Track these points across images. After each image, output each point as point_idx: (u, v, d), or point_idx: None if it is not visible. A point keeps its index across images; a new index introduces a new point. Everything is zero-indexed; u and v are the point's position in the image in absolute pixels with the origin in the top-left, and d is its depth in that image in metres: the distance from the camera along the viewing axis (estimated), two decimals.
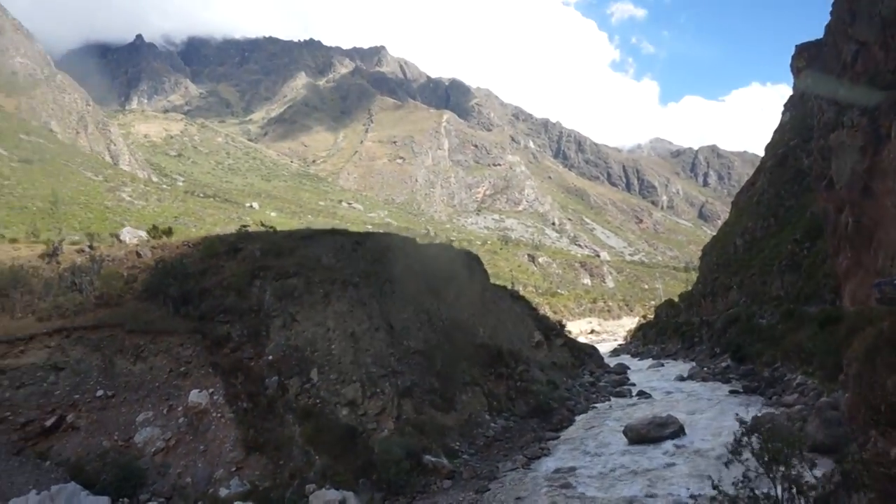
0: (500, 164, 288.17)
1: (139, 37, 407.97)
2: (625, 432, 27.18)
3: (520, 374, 33.47)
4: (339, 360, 22.33)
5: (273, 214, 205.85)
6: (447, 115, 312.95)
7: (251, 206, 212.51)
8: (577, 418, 33.85)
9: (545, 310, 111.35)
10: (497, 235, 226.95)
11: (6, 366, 20.17)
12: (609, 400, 39.28)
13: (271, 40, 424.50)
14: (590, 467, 23.53)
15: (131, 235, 30.60)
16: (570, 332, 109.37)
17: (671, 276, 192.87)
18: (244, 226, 30.69)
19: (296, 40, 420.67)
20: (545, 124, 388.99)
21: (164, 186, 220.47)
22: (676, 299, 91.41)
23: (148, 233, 29.53)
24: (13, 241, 30.31)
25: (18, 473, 17.43)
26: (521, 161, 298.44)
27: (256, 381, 21.09)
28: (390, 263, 29.26)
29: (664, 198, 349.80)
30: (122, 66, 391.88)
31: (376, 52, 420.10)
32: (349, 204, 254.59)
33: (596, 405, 37.44)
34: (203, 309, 22.10)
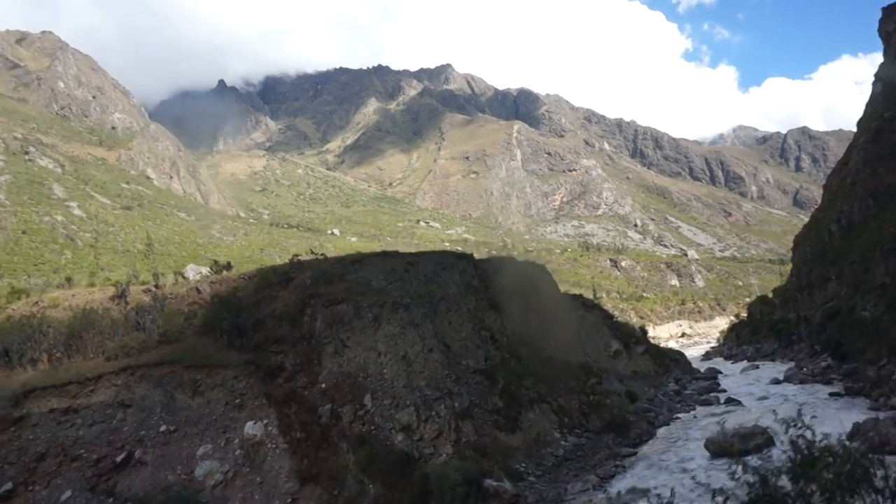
0: (575, 170, 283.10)
1: (221, 82, 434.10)
2: (706, 445, 25.16)
3: (592, 387, 31.94)
4: (391, 384, 21.96)
5: (353, 239, 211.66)
6: (517, 125, 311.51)
7: (332, 233, 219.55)
8: (659, 431, 31.84)
9: (630, 315, 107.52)
10: (577, 242, 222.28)
11: (79, 405, 21.12)
12: (694, 409, 36.80)
13: (342, 70, 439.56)
14: (666, 485, 21.80)
15: (194, 272, 31.89)
16: (656, 337, 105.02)
17: (767, 269, 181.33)
18: (296, 255, 31.21)
19: (365, 67, 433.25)
20: (619, 124, 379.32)
21: (251, 220, 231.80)
22: (771, 295, 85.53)
23: (210, 268, 30.67)
24: (90, 285, 32.36)
25: None
26: (597, 164, 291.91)
27: (310, 410, 21.04)
28: (445, 282, 28.76)
29: (753, 188, 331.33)
30: (208, 111, 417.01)
31: (443, 71, 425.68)
32: (426, 223, 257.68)
33: (679, 415, 35.14)
34: (256, 340, 22.40)
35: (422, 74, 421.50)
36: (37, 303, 25.60)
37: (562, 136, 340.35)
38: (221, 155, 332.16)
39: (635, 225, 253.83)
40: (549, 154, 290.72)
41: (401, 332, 23.18)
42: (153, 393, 21.46)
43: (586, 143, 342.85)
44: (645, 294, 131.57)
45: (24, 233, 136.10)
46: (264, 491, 19.31)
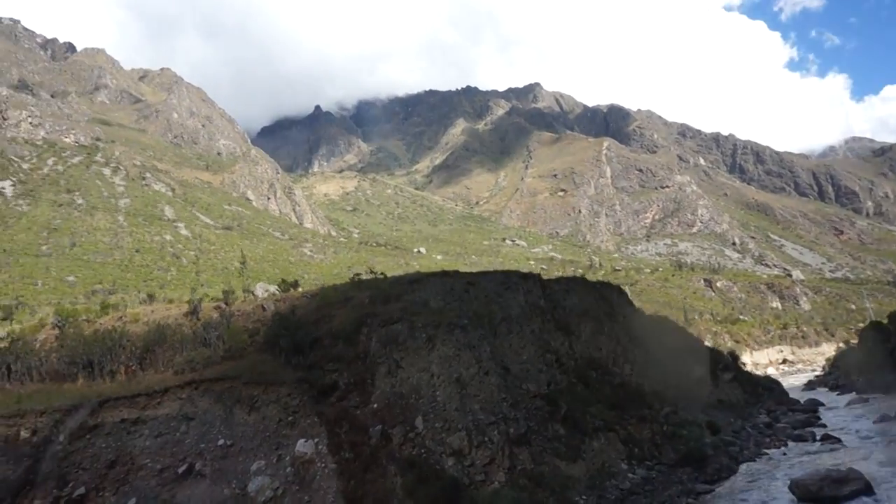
0: (667, 186, 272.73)
1: (317, 107, 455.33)
2: (791, 488, 22.84)
3: (666, 417, 30.00)
4: (443, 406, 21.50)
5: (438, 257, 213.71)
6: (607, 141, 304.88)
7: (418, 252, 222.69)
8: (742, 467, 29.36)
9: (724, 339, 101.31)
10: (669, 261, 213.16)
11: (147, 416, 22.15)
12: (786, 445, 33.74)
13: (431, 93, 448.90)
14: None
15: (263, 290, 33.08)
16: (754, 363, 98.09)
17: (884, 292, 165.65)
18: (357, 275, 31.55)
19: (454, 89, 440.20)
20: (716, 139, 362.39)
21: (342, 239, 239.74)
22: (886, 320, 77.70)
23: (278, 286, 31.64)
24: (169, 301, 34.26)
25: None
26: (692, 180, 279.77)
27: (361, 430, 20.96)
28: (507, 302, 28.04)
29: (869, 203, 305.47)
30: (305, 135, 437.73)
31: (531, 90, 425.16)
32: (513, 241, 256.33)
33: (767, 451, 32.29)
34: (312, 358, 22.68)
35: (510, 94, 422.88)
36: (121, 317, 27.32)
37: (654, 153, 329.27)
38: (316, 177, 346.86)
39: (733, 243, 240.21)
40: (640, 171, 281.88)
41: (456, 353, 22.72)
42: (214, 407, 22.14)
43: (680, 158, 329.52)
44: (742, 317, 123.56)
45: (137, 251, 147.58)
46: None
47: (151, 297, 31.61)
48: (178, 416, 22.10)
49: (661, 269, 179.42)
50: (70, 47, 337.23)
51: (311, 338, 23.38)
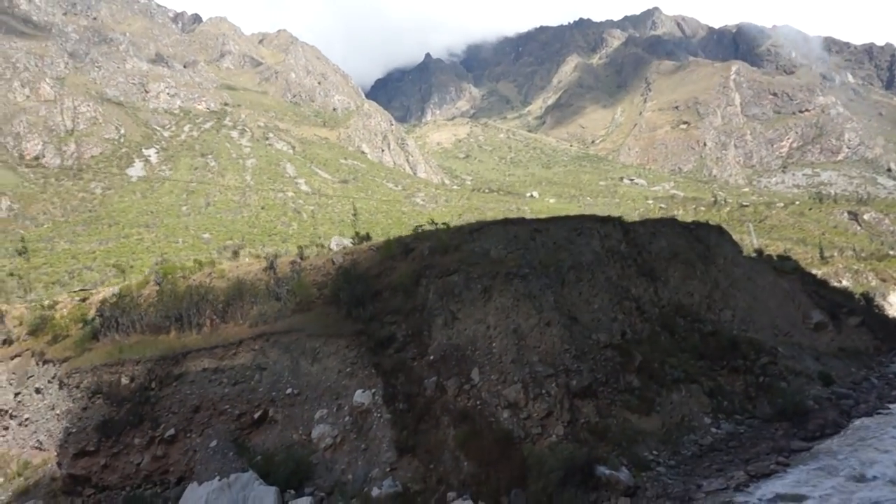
0: (808, 110, 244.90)
1: (427, 55, 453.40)
2: None
3: (763, 367, 27.46)
4: (499, 358, 21.01)
5: (552, 201, 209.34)
6: (736, 65, 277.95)
7: (531, 196, 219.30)
8: (854, 423, 26.38)
9: (868, 278, 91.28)
10: (809, 193, 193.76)
11: (225, 366, 23.73)
12: None
13: (542, 30, 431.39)
14: (827, 500, 17.97)
15: (337, 244, 33.75)
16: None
17: None
18: (419, 226, 31.16)
19: (566, 23, 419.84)
20: (869, 51, 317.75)
21: (455, 187, 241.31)
22: None
23: (352, 239, 32.12)
24: (256, 256, 36.04)
25: (212, 461, 20.26)
26: (837, 101, 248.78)
27: (416, 381, 21.07)
28: (579, 249, 26.54)
29: None
30: (417, 85, 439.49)
31: (649, 16, 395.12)
32: (631, 180, 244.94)
33: (890, 406, 28.74)
34: (372, 310, 22.95)
35: (626, 23, 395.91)
36: (210, 273, 29.20)
37: (791, 73, 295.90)
38: (428, 126, 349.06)
39: (888, 170, 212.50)
40: (774, 95, 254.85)
41: (514, 304, 22.00)
42: (283, 358, 23.24)
43: (824, 77, 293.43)
44: (893, 252, 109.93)
45: (262, 208, 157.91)
46: (367, 458, 19.89)
47: (237, 254, 33.49)
48: (252, 366, 23.47)
49: (797, 202, 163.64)
50: (196, 18, 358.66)
51: (371, 290, 23.62)
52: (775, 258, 53.92)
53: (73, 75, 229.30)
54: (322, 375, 22.10)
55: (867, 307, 46.53)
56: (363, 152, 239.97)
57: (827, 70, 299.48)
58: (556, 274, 24.54)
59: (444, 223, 30.07)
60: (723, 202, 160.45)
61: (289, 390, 22.51)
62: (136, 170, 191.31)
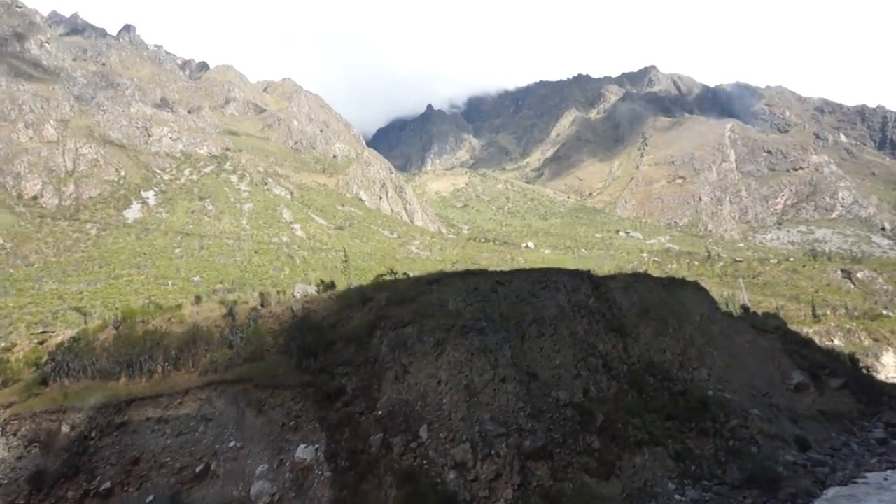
0: (801, 168, 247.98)
1: (429, 106, 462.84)
2: None
3: (732, 430, 26.49)
4: (449, 415, 20.18)
5: (547, 252, 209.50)
6: (731, 122, 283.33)
7: (527, 246, 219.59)
8: (828, 493, 25.30)
9: (860, 338, 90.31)
10: (804, 250, 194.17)
11: (170, 416, 22.83)
12: (894, 468, 28.74)
13: (542, 84, 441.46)
14: None
15: (302, 291, 33.24)
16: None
17: None
18: (380, 275, 30.61)
19: (565, 79, 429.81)
20: (861, 112, 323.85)
21: (451, 236, 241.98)
22: None
23: (316, 287, 31.61)
24: (220, 302, 35.39)
25: None
26: (830, 160, 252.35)
27: (363, 437, 20.19)
28: (543, 303, 25.95)
29: None
30: (418, 134, 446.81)
31: (646, 73, 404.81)
32: (627, 233, 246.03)
33: (868, 475, 27.62)
34: (323, 361, 22.21)
35: (623, 79, 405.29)
36: (170, 319, 28.53)
37: (785, 132, 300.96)
38: (427, 175, 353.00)
39: (882, 228, 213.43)
40: (768, 152, 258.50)
41: (468, 358, 21.29)
42: (229, 409, 22.36)
43: (817, 136, 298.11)
44: (886, 312, 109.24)
45: (256, 252, 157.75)
46: None
47: (199, 299, 32.92)
48: (198, 417, 22.56)
49: (792, 258, 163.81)
50: (204, 66, 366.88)
51: (325, 340, 22.92)
52: (760, 315, 53.30)
53: (77, 118, 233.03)
54: (266, 428, 21.20)
55: (852, 369, 45.59)
56: (361, 199, 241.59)
57: (820, 130, 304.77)
58: (517, 328, 23.89)
59: (404, 273, 29.54)
60: (716, 257, 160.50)
61: (232, 443, 21.57)
62: (133, 211, 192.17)
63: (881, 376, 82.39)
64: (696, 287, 36.75)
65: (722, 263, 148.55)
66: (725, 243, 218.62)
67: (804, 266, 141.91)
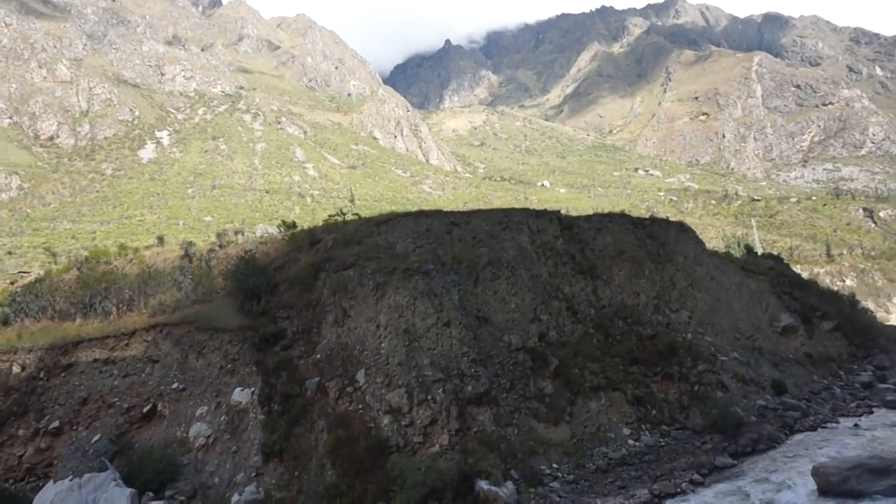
0: (831, 103, 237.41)
1: (447, 42, 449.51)
2: (814, 474, 18.43)
3: (698, 375, 25.72)
4: (386, 360, 19.64)
5: (562, 191, 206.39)
6: (759, 56, 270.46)
7: (542, 185, 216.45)
8: (794, 438, 24.68)
9: (874, 277, 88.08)
10: (829, 188, 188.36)
11: (116, 357, 22.72)
12: (870, 412, 27.91)
13: (563, 17, 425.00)
14: None
15: (263, 231, 32.53)
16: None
17: None
18: (333, 215, 29.60)
19: (587, 11, 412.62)
20: None
21: (466, 175, 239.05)
22: None
23: (278, 227, 30.90)
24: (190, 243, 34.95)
25: (69, 459, 19.24)
26: (863, 94, 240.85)
27: (299, 381, 19.83)
28: (502, 244, 24.92)
29: None
30: (436, 71, 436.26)
31: (672, 4, 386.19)
32: (646, 171, 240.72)
33: (840, 420, 26.85)
34: (266, 304, 21.68)
35: (648, 10, 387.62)
36: (132, 259, 28.21)
37: (817, 65, 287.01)
38: (445, 113, 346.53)
39: None
40: (797, 87, 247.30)
41: (410, 302, 20.57)
42: (174, 351, 22.13)
43: (850, 69, 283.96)
44: None
45: (267, 192, 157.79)
46: (235, 461, 18.73)
47: (161, 240, 32.53)
48: (144, 358, 22.41)
49: (814, 197, 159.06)
50: (216, 2, 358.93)
51: (270, 283, 22.34)
52: (760, 256, 51.63)
53: (90, 57, 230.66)
54: (206, 371, 20.96)
55: (850, 311, 44.18)
56: (375, 138, 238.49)
57: (854, 62, 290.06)
58: (469, 271, 23.00)
59: (355, 214, 28.65)
60: (734, 196, 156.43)
61: (175, 385, 21.41)
62: (148, 152, 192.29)
63: (892, 317, 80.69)
64: (681, 227, 35.31)
65: (739, 203, 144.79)
66: (747, 182, 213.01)
67: (825, 205, 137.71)
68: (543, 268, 26.15)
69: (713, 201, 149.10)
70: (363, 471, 17.37)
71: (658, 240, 32.59)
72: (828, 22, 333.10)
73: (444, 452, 18.45)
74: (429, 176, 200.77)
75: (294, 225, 29.91)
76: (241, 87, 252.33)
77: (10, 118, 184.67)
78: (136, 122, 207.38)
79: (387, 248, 22.50)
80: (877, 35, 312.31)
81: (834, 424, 26.14)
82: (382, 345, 19.93)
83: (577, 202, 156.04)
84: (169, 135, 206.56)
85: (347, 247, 22.70)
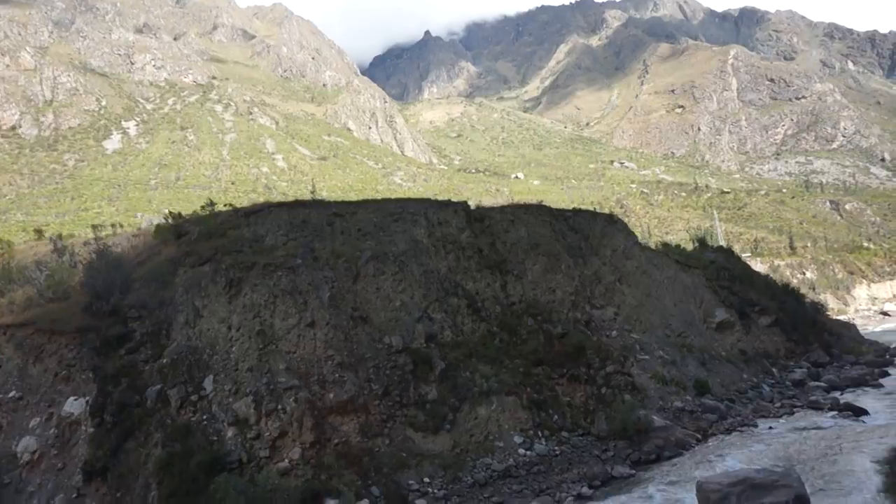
0: (804, 97, 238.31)
1: (427, 33, 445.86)
2: (697, 490, 16.83)
3: (606, 377, 24.10)
4: (236, 365, 17.72)
5: (536, 183, 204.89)
6: (734, 49, 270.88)
7: (516, 177, 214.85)
8: (708, 443, 23.18)
9: (834, 270, 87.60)
10: (800, 181, 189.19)
11: None
12: (790, 414, 26.56)
13: (543, 9, 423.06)
14: None
15: (148, 223, 30.44)
16: (869, 297, 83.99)
17: None
18: (202, 206, 27.48)
19: (567, 3, 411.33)
20: (871, 38, 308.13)
21: (441, 167, 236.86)
22: None
23: (165, 218, 28.78)
24: (70, 235, 32.78)
25: None
26: (835, 88, 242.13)
27: (140, 389, 17.80)
28: (392, 237, 23.06)
29: None
30: (415, 62, 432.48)
31: None
32: (621, 163, 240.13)
33: (759, 421, 25.43)
34: (116, 303, 19.58)
35: (627, 3, 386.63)
36: (3, 254, 25.93)
37: (791, 59, 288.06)
38: (422, 104, 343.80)
39: (882, 160, 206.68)
40: (771, 80, 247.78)
41: (269, 301, 18.64)
42: (15, 355, 19.97)
43: (823, 63, 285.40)
44: (868, 244, 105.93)
45: (232, 183, 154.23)
46: (58, 480, 16.71)
47: (40, 233, 30.33)
48: None
49: (784, 189, 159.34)
50: None
51: (126, 279, 20.24)
52: (708, 248, 50.34)
53: (56, 45, 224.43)
54: (42, 378, 18.89)
55: (795, 305, 43.00)
56: (349, 129, 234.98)
57: (827, 57, 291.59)
58: (349, 266, 21.11)
59: (228, 204, 26.64)
60: (705, 188, 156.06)
61: (12, 393, 19.29)
62: (113, 142, 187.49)
63: (851, 308, 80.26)
64: (610, 219, 33.70)
65: (709, 195, 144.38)
66: (721, 174, 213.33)
67: (793, 197, 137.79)
68: (442, 262, 24.33)
69: (683, 193, 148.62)
70: (195, 491, 15.45)
71: (581, 232, 30.96)
72: (803, 17, 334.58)
73: (294, 468, 16.62)
74: (401, 167, 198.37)
75: (180, 215, 27.74)
76: (214, 77, 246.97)
77: None
78: (102, 111, 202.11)
79: (253, 241, 20.56)
80: (850, 30, 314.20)
81: (752, 427, 24.71)
82: (233, 348, 17.99)
83: (549, 194, 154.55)
84: (136, 125, 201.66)
85: (210, 239, 20.71)
